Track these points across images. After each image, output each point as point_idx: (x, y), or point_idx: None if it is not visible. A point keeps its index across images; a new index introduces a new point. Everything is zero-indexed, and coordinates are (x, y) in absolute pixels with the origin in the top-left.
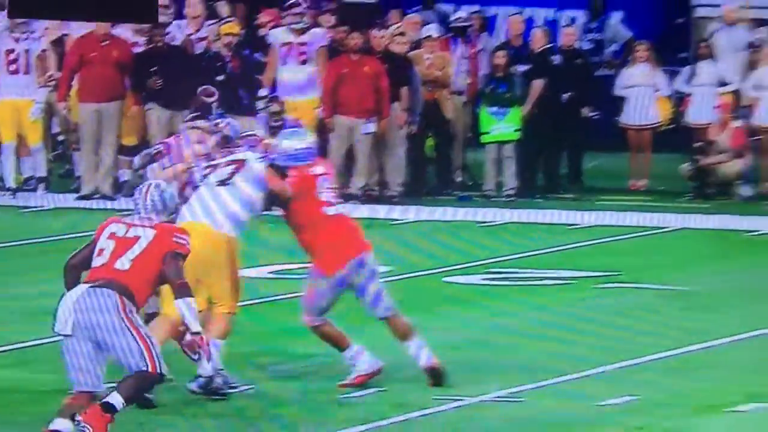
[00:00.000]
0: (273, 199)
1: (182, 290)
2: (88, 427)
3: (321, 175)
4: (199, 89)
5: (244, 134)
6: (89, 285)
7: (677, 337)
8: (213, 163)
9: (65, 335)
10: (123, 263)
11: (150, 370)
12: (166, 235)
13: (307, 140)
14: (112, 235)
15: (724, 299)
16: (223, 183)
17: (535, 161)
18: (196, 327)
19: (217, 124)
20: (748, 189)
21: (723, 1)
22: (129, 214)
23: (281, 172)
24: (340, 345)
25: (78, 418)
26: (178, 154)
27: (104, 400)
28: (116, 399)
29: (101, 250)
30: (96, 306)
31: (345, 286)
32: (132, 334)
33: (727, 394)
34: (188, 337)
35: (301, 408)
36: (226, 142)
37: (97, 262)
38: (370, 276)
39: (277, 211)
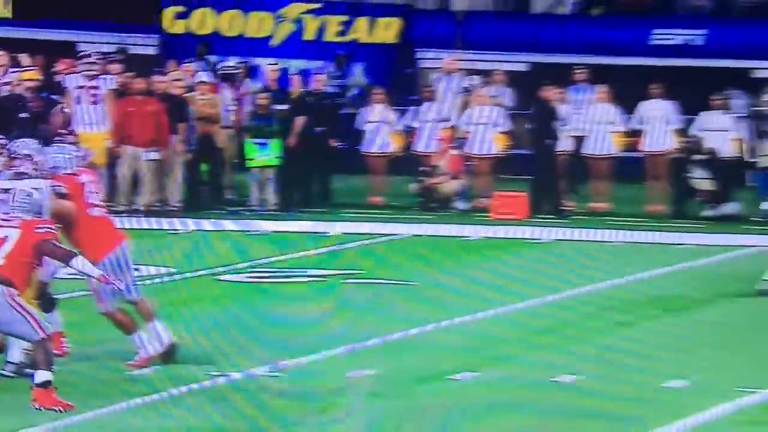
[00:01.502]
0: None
1: (67, 256)
2: (45, 406)
3: (87, 182)
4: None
5: (22, 153)
6: None
7: (408, 321)
8: (4, 186)
9: None
10: None
11: (42, 335)
12: (30, 230)
13: (69, 154)
14: None
15: (445, 291)
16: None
17: (292, 182)
18: (95, 273)
19: (3, 146)
20: (463, 204)
21: (442, 55)
22: None
23: (62, 194)
24: (128, 330)
25: (36, 406)
26: None
27: (36, 382)
28: (44, 374)
29: None
30: None
31: (111, 270)
32: (19, 312)
33: (446, 366)
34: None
35: (93, 384)
36: (12, 161)
37: None
38: (125, 264)
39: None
